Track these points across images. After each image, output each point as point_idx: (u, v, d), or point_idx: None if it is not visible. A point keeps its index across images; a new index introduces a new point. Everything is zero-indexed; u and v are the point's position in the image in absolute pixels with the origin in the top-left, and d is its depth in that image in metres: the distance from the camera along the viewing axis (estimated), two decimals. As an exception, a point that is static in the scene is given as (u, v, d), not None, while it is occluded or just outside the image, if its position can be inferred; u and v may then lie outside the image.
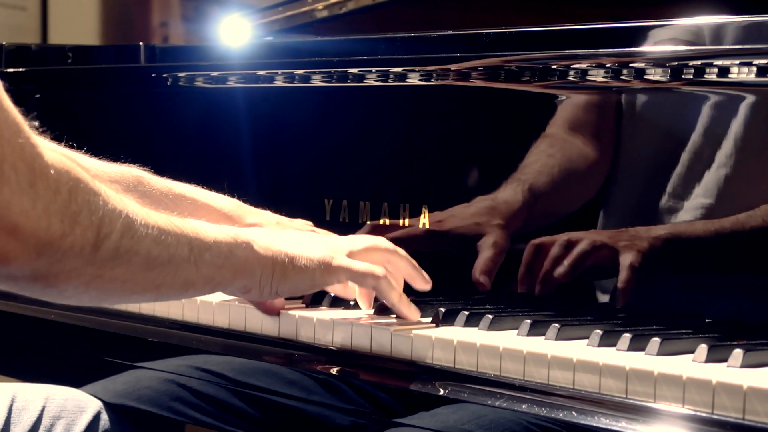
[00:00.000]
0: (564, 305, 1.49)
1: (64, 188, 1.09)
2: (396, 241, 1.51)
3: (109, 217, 1.13)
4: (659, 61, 1.41)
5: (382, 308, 1.49)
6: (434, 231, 1.63)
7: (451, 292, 1.59)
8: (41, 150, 1.08)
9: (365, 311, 1.51)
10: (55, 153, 1.10)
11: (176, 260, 1.22)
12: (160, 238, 1.20)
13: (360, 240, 1.46)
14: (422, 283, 1.47)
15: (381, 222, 1.68)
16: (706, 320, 1.39)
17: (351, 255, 1.42)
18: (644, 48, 1.45)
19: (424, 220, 1.63)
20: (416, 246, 1.60)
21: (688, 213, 1.41)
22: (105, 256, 1.14)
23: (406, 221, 1.65)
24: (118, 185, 1.52)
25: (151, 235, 1.19)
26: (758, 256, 1.37)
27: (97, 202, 1.12)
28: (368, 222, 1.69)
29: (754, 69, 1.32)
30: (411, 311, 1.43)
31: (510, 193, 1.56)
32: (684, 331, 1.32)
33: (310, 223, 1.62)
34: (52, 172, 1.08)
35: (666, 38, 1.45)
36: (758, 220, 1.35)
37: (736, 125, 1.37)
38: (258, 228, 1.50)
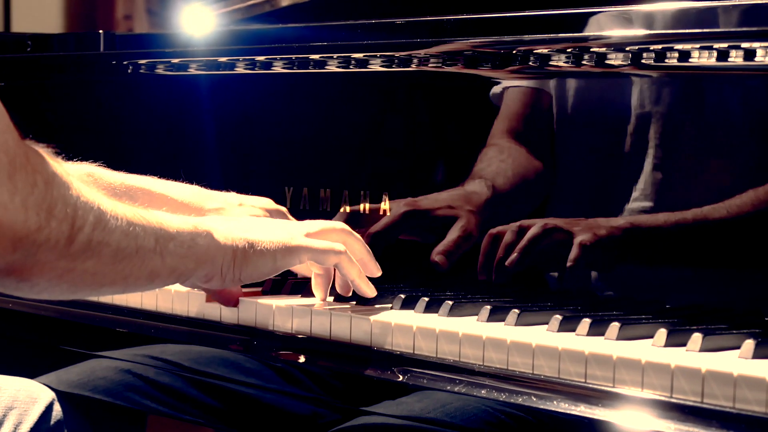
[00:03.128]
0: (524, 291, 1.48)
1: (41, 181, 1.09)
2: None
3: (83, 210, 1.14)
4: (619, 46, 1.41)
5: (340, 296, 1.47)
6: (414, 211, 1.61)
7: (413, 280, 1.58)
8: (22, 142, 1.08)
9: (321, 300, 1.49)
10: (32, 145, 1.10)
11: (143, 251, 1.23)
12: (129, 229, 1.20)
13: (315, 223, 1.46)
14: (374, 268, 1.46)
15: (342, 209, 1.66)
16: (666, 306, 1.39)
17: (308, 236, 1.43)
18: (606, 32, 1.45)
19: (385, 207, 1.62)
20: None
21: (652, 195, 1.40)
22: (78, 249, 1.14)
23: (367, 206, 1.64)
24: None
25: (121, 227, 1.19)
26: (719, 243, 1.37)
27: (71, 195, 1.12)
28: (329, 209, 1.68)
29: (715, 53, 1.32)
30: (370, 288, 1.43)
31: (475, 184, 1.55)
32: (644, 317, 1.31)
33: (272, 201, 1.62)
34: (30, 164, 1.08)
35: (628, 23, 1.45)
36: (722, 211, 1.35)
37: (702, 110, 1.37)
38: (216, 216, 1.50)
